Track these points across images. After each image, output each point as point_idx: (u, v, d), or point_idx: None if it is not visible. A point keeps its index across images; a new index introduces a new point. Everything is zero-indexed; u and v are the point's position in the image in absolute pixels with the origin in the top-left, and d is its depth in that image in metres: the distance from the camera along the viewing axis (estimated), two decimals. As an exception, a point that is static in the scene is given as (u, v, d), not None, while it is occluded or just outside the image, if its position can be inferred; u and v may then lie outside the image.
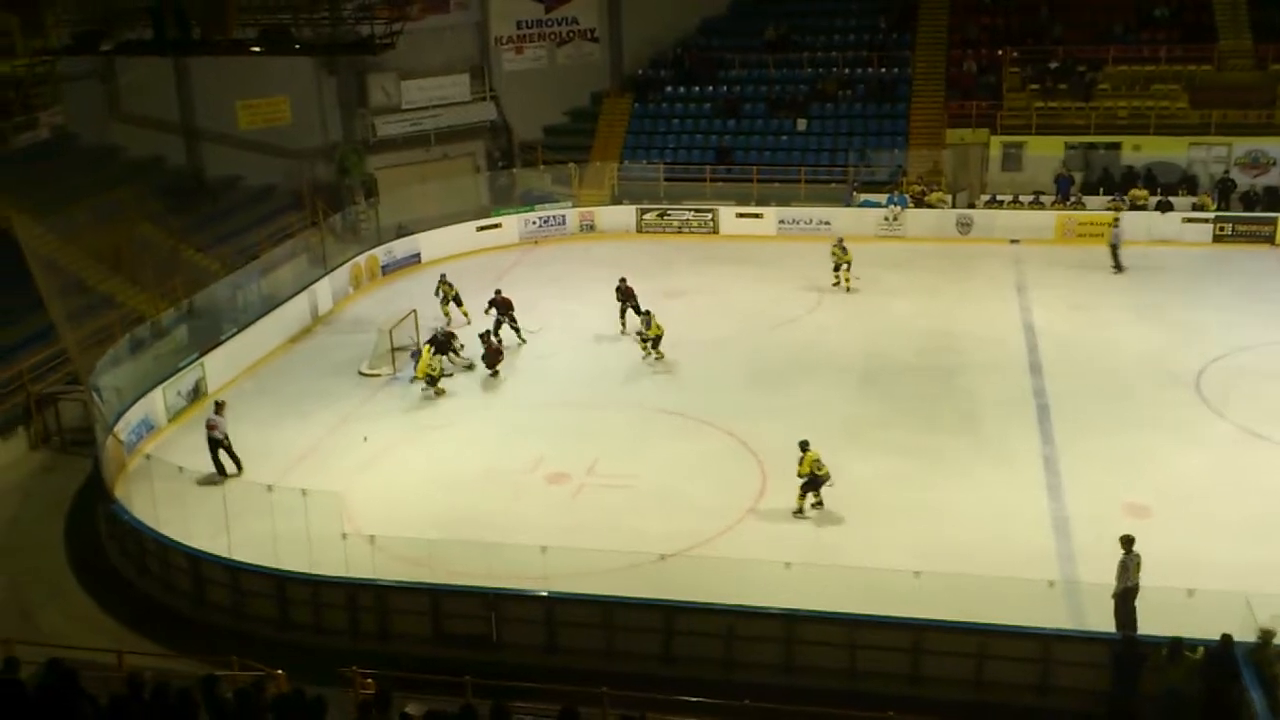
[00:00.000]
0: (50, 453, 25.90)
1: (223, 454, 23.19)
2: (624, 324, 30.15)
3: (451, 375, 27.79)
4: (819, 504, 21.38)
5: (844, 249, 33.28)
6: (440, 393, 26.90)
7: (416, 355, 27.96)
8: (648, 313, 28.91)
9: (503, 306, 29.48)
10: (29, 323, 27.40)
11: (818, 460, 21.07)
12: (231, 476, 23.09)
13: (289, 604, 19.10)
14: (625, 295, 30.31)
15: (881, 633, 17.27)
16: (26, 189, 30.76)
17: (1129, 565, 17.35)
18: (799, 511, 21.29)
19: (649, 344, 28.47)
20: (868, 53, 43.84)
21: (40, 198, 31.02)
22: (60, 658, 11.95)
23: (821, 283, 33.33)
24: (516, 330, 29.56)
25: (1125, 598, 17.29)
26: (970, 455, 23.39)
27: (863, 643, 17.27)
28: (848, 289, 33.01)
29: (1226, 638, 15.53)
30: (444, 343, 28.18)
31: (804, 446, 21.21)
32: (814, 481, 21.18)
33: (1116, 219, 35.33)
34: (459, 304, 31.57)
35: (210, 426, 23.34)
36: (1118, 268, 34.27)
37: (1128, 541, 17.50)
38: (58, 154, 34.64)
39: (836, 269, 33.23)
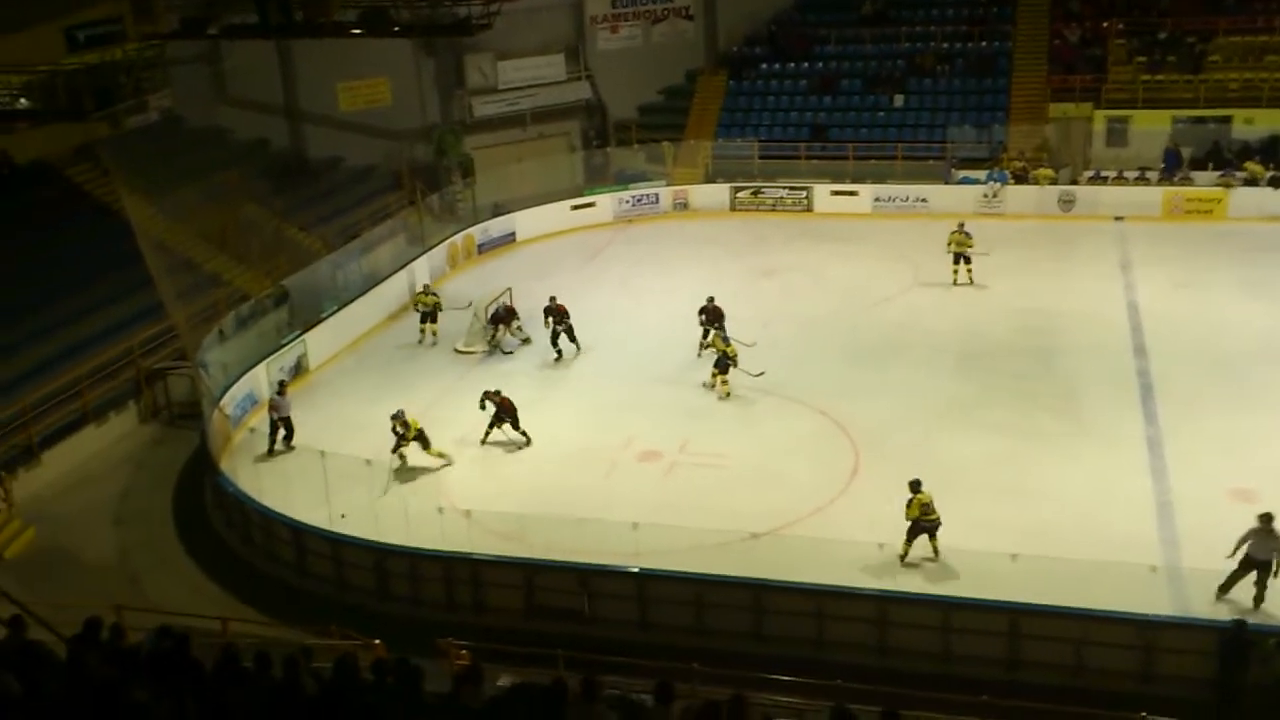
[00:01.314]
0: (159, 426, 26.66)
1: (280, 434, 23.79)
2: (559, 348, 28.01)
3: (511, 352, 27.87)
4: (935, 555, 18.82)
5: (967, 234, 31.10)
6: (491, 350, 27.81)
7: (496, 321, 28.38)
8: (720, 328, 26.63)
9: (559, 314, 27.78)
10: (139, 300, 28.15)
11: (929, 504, 18.67)
12: (279, 453, 23.68)
13: (387, 576, 19.48)
14: (555, 314, 27.77)
15: (977, 616, 17.10)
16: (137, 171, 31.57)
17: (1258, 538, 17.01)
18: (904, 557, 18.73)
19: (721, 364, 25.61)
20: (967, 26, 43.04)
21: (150, 179, 31.82)
22: (169, 625, 12.32)
23: (918, 260, 32.84)
24: (573, 339, 27.95)
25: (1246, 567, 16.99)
26: (1071, 437, 22.96)
27: (958, 626, 17.11)
28: (970, 282, 31.05)
29: (1336, 626, 15.13)
30: (504, 317, 28.54)
31: (915, 487, 18.74)
32: (921, 527, 18.74)
33: None
34: (433, 320, 29.40)
35: (272, 407, 24.03)
36: None
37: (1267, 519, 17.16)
38: (166, 136, 35.49)
39: (957, 260, 31.05)
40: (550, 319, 27.77)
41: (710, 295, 27.46)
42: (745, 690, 11.28)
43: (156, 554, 21.47)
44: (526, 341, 28.67)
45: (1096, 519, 19.94)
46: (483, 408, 23.60)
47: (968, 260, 31.12)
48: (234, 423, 24.50)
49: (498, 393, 23.77)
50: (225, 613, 17.71)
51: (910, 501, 18.71)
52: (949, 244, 31.26)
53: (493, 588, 19.06)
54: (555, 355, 27.72)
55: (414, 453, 22.66)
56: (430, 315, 29.34)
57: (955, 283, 31.10)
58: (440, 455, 22.95)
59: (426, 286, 29.80)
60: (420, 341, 29.21)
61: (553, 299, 27.99)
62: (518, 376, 27.20)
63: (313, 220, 35.79)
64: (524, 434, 23.67)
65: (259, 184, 36.27)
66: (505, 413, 23.53)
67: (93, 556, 21.42)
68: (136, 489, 23.95)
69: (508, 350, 27.78)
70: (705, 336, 26.99)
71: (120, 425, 26.02)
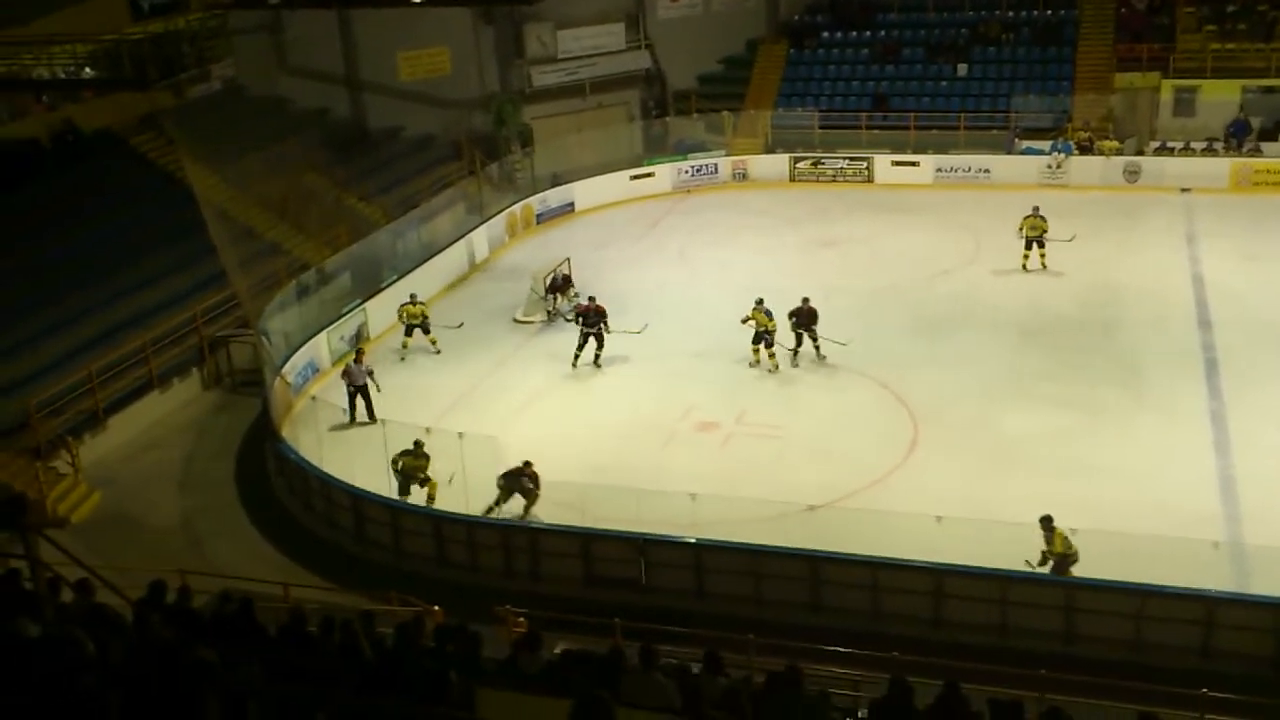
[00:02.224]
0: (222, 393, 27.03)
1: (359, 401, 23.76)
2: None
3: (571, 319, 27.12)
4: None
5: (1042, 218, 29.77)
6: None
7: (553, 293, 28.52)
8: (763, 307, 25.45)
9: (594, 316, 26.08)
10: (202, 268, 28.51)
11: (1066, 539, 17.40)
12: (361, 424, 23.50)
13: (445, 543, 19.67)
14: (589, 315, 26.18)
15: (1035, 589, 16.99)
16: (200, 140, 31.89)
17: None
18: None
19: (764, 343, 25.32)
20: (1033, -6, 42.38)
21: (212, 148, 32.12)
22: (231, 589, 12.56)
23: (980, 231, 32.46)
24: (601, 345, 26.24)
25: None
26: (1134, 410, 22.69)
27: (1015, 599, 17.00)
28: (1044, 268, 29.79)
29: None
30: (561, 286, 28.64)
31: (1047, 524, 17.48)
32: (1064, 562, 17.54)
33: None
34: (425, 331, 27.42)
35: (345, 374, 24.18)
36: None
37: None
38: (228, 106, 35.82)
39: (1029, 245, 29.71)
40: (581, 320, 26.11)
41: (805, 296, 25.39)
42: (801, 661, 11.34)
43: (219, 519, 21.82)
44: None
45: (1158, 494, 19.71)
46: (576, 321, 26.04)
47: (1041, 245, 29.86)
48: (295, 390, 24.78)
49: (592, 300, 25.98)
50: (286, 578, 17.98)
51: (1050, 538, 17.39)
52: (1021, 228, 30.03)
53: (550, 556, 19.18)
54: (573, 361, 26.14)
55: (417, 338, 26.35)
56: (420, 327, 27.20)
57: (1025, 268, 29.92)
58: (433, 343, 26.63)
59: (413, 296, 27.62)
60: (402, 359, 27.03)
61: (591, 299, 26.29)
62: (573, 346, 27.22)
63: (372, 190, 36.01)
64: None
65: (319, 153, 36.49)
66: (595, 322, 25.52)
67: (157, 521, 21.81)
68: (199, 455, 24.32)
69: (568, 318, 27.77)
70: (798, 342, 25.28)
71: (184, 392, 26.42)
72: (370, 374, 23.93)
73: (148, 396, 25.38)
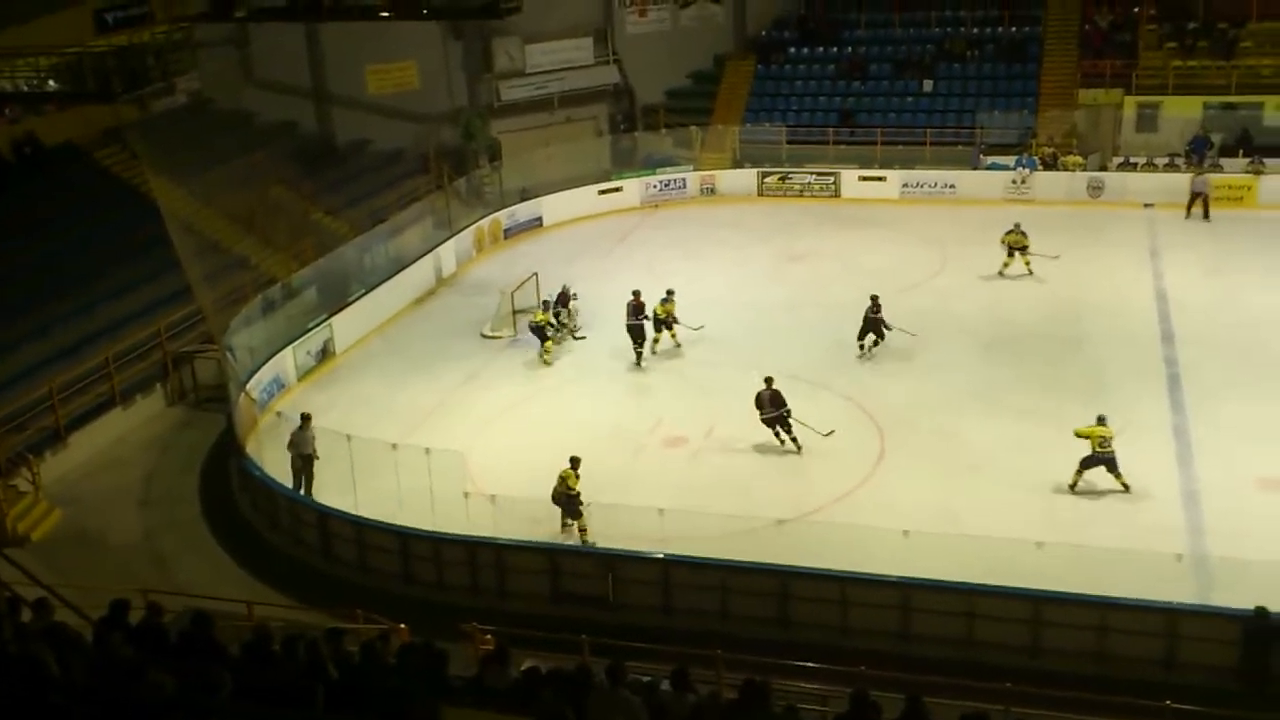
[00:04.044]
0: (186, 409, 26.77)
1: (302, 475, 21.40)
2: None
3: (584, 337, 27.82)
4: (1124, 488, 20.25)
5: (1023, 233, 30.53)
6: (546, 351, 27.08)
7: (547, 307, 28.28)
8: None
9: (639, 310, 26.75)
10: (166, 283, 28.28)
11: (1108, 438, 20.09)
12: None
13: (412, 560, 19.56)
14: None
15: (1001, 603, 17.04)
16: (164, 153, 31.68)
17: None
18: (1074, 486, 20.47)
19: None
20: (997, 11, 42.77)
21: (177, 162, 31.92)
22: (197, 608, 12.43)
23: (947, 245, 32.65)
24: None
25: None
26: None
27: (982, 613, 17.06)
28: (1030, 273, 30.40)
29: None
30: (564, 297, 28.56)
31: (1101, 421, 20.26)
32: (1098, 459, 20.15)
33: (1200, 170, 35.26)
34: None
35: (291, 443, 21.50)
36: (1204, 216, 34.28)
37: None
38: (194, 119, 35.65)
39: (1011, 253, 30.51)
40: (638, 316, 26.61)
41: (768, 377, 22.96)
42: (769, 677, 11.33)
43: (182, 537, 21.61)
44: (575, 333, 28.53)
45: (1122, 506, 19.87)
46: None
47: (1024, 250, 30.52)
48: (260, 406, 24.60)
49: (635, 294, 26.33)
50: (250, 596, 17.81)
51: (1089, 426, 20.08)
52: (1003, 241, 30.76)
53: (518, 573, 19.10)
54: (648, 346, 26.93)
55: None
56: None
57: (1002, 272, 30.60)
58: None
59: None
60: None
61: (636, 292, 26.82)
62: (541, 363, 27.23)
63: (340, 203, 35.88)
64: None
65: (286, 167, 36.34)
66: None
67: (119, 539, 21.56)
68: (163, 472, 24.08)
69: (578, 336, 28.05)
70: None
71: (147, 408, 26.16)
72: (314, 441, 21.52)
73: (110, 413, 25.12)
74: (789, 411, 22.45)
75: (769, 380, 22.82)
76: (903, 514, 19.09)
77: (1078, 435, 20.44)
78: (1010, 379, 24.93)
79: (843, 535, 18.54)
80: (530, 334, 27.49)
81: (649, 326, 26.83)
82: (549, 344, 27.19)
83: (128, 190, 31.51)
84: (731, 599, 18.08)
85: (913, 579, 17.35)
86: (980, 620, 17.07)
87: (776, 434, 22.64)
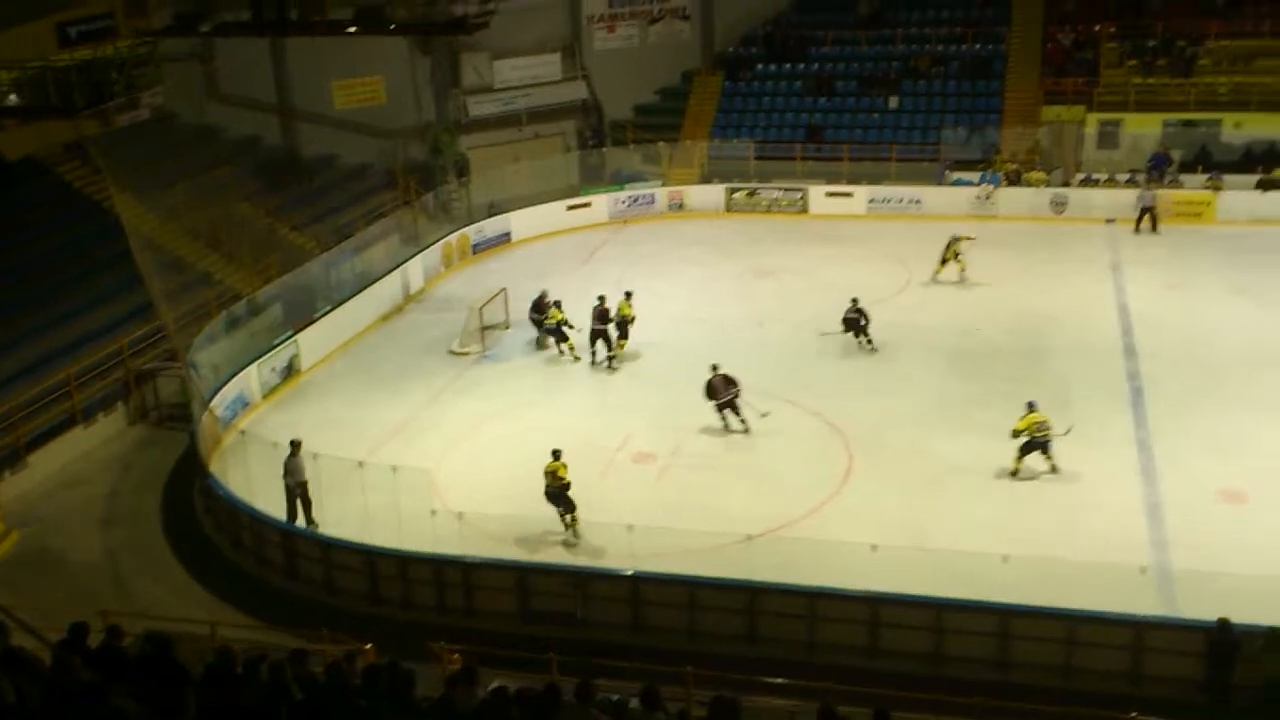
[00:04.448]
0: (148, 427, 26.51)
1: (299, 502, 20.94)
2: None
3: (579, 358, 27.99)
4: (1054, 470, 21.55)
5: (967, 238, 31.86)
6: (571, 348, 27.77)
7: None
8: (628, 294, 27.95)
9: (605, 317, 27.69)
10: (129, 300, 28.07)
11: (1042, 422, 21.31)
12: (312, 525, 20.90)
13: (378, 579, 19.42)
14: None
15: (968, 617, 17.10)
16: (128, 168, 31.47)
17: None
18: (1015, 473, 21.60)
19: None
20: (961, 29, 43.09)
21: (141, 177, 31.73)
22: (157, 629, 12.27)
23: (913, 261, 32.84)
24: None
25: None
26: (1061, 438, 22.94)
27: (949, 627, 17.10)
28: (961, 277, 31.47)
29: (1326, 628, 15.15)
30: (542, 304, 28.74)
31: (1030, 407, 21.62)
32: (1035, 444, 21.32)
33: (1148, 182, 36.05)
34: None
35: (287, 472, 20.89)
36: (1152, 229, 34.99)
37: None
38: (158, 134, 35.36)
39: (945, 261, 31.67)
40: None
41: (714, 364, 24.17)
42: (737, 693, 11.29)
43: (145, 557, 21.36)
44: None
45: (1087, 520, 20.02)
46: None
47: (957, 257, 31.61)
48: (224, 424, 24.39)
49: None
50: (214, 616, 17.67)
51: (1022, 418, 21.29)
52: (948, 253, 31.64)
53: (485, 590, 19.00)
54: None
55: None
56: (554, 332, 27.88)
57: (936, 277, 31.71)
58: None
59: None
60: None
61: (601, 298, 27.78)
62: (511, 377, 27.21)
63: (306, 219, 35.73)
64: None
65: (251, 182, 36.21)
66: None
67: (80, 560, 21.30)
68: (124, 491, 23.83)
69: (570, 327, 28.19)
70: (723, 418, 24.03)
71: (109, 426, 25.89)
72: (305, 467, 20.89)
73: (71, 432, 24.86)
74: (739, 392, 23.64)
75: (715, 367, 24.00)
76: (871, 529, 19.15)
77: (1015, 433, 21.43)
78: (976, 393, 25.07)
79: (811, 550, 18.56)
80: (496, 351, 27.45)
81: (613, 331, 27.32)
82: (570, 341, 27.73)
83: (90, 205, 31.26)
84: (700, 615, 18.05)
85: (880, 594, 17.39)
86: (948, 634, 17.11)
87: (724, 420, 23.73)
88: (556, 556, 19.34)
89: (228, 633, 16.44)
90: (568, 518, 20.33)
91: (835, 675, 15.24)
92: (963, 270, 31.55)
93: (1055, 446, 21.47)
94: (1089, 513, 20.29)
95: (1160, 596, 17.71)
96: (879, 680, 15.42)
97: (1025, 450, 21.44)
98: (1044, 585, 17.06)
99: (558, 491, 20.25)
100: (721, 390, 23.65)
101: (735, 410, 23.70)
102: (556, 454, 20.35)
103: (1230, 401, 24.05)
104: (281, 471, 20.89)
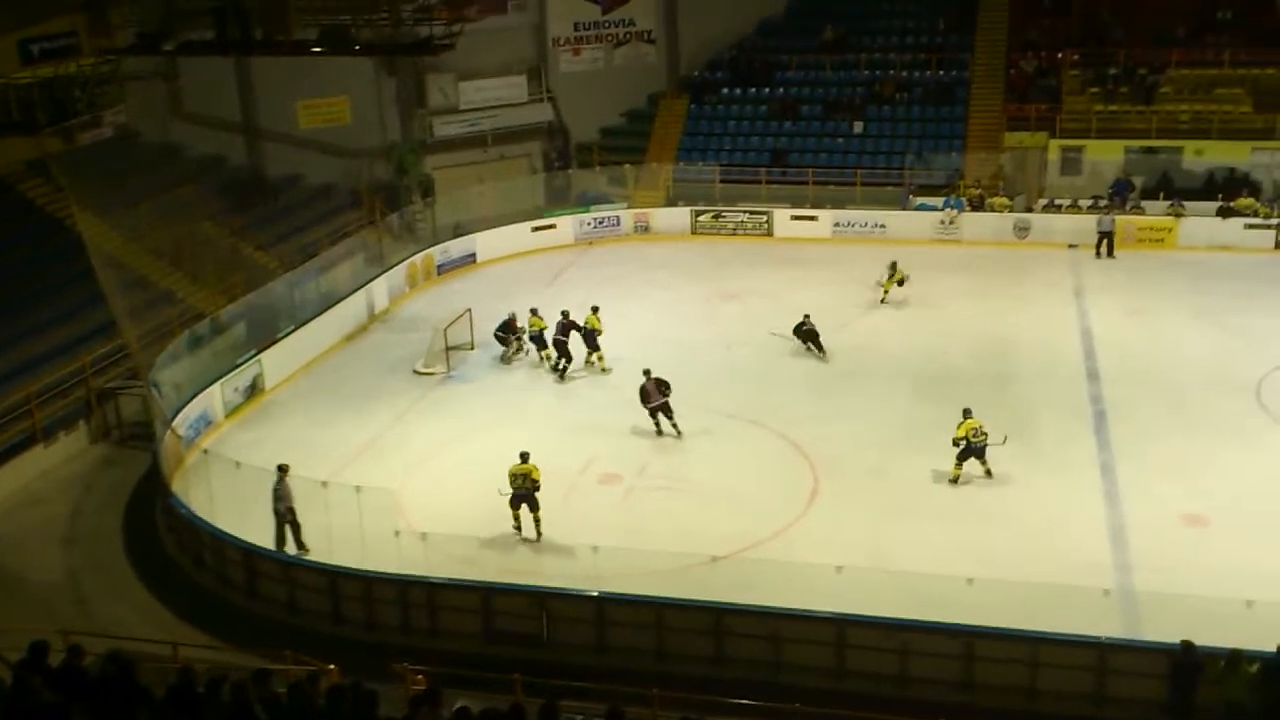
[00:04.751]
0: (110, 446, 26.26)
1: (288, 528, 20.48)
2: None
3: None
4: (988, 474, 22.36)
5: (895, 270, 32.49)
6: (548, 356, 28.38)
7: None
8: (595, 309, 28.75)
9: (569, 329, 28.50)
10: (91, 318, 27.83)
11: (978, 428, 22.10)
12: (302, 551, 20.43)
13: (341, 599, 19.27)
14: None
15: (933, 639, 17.14)
16: (90, 186, 31.23)
17: None
18: (955, 480, 22.36)
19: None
20: (926, 55, 43.50)
21: (103, 195, 31.49)
22: (116, 649, 12.14)
23: (876, 285, 33.05)
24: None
25: None
26: (1026, 461, 23.12)
27: (914, 649, 17.14)
28: (884, 296, 32.28)
29: (1287, 650, 15.28)
30: (512, 325, 29.17)
31: (966, 414, 22.39)
32: (972, 449, 22.06)
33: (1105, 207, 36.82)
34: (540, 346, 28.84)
35: (277, 497, 20.40)
36: (1109, 254, 35.70)
37: None
38: (121, 152, 35.13)
39: (887, 281, 32.47)
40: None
41: (646, 369, 25.08)
42: (703, 715, 11.30)
43: (106, 577, 21.13)
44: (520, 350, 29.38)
45: (1051, 543, 20.12)
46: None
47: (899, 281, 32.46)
48: (186, 444, 24.17)
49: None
50: (176, 637, 17.47)
51: (960, 425, 22.11)
52: (891, 280, 32.53)
53: (450, 611, 18.88)
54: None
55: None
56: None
57: (884, 299, 32.39)
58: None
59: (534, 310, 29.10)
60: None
61: (564, 312, 28.58)
62: (475, 398, 27.13)
63: (270, 239, 35.55)
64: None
65: (215, 201, 36.02)
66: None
67: (40, 579, 21.04)
68: (86, 510, 23.57)
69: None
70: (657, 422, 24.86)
71: (70, 445, 25.62)
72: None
73: (31, 451, 24.59)
74: (668, 397, 24.52)
75: (647, 372, 24.87)
76: (836, 550, 19.12)
77: (956, 441, 22.22)
78: (940, 417, 25.04)
79: (776, 572, 18.57)
80: (461, 372, 27.42)
81: (581, 343, 28.11)
82: (548, 350, 28.37)
83: (53, 223, 31.01)
84: (666, 636, 18.01)
85: (846, 615, 17.41)
86: (913, 656, 17.15)
87: (657, 424, 24.64)
88: (521, 577, 19.23)
89: (190, 653, 16.27)
90: (535, 517, 20.73)
91: (801, 696, 15.24)
92: (903, 281, 32.31)
93: (991, 454, 22.30)
94: (1053, 536, 20.41)
95: (1124, 619, 17.83)
96: (844, 701, 15.50)
97: (963, 456, 22.20)
98: (1008, 607, 17.14)
99: (528, 493, 20.65)
100: (654, 395, 24.56)
101: (668, 414, 24.56)
102: (525, 456, 20.86)
103: (1192, 426, 24.32)
104: (271, 498, 20.30)
